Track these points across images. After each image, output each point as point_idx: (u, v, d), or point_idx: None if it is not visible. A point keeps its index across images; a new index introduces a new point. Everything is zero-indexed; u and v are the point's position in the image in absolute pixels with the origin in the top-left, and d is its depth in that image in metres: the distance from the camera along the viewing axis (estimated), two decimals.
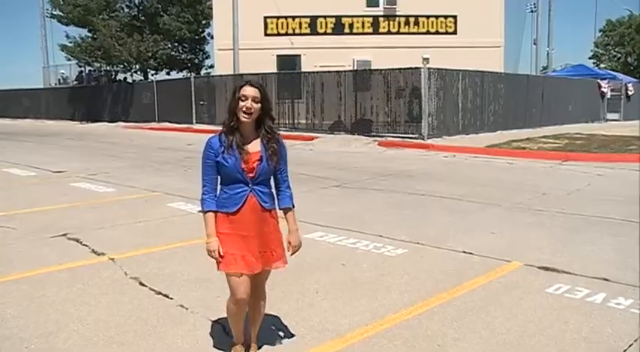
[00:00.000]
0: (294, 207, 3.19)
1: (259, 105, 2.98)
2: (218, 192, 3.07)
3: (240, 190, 3.01)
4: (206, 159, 3.03)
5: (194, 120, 22.99)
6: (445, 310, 4.05)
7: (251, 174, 3.00)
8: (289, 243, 3.15)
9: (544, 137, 16.75)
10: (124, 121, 26.63)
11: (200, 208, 3.09)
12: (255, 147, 3.02)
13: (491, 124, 18.57)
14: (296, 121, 19.52)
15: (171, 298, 4.32)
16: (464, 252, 5.48)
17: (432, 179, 10.07)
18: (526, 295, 4.33)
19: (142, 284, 4.63)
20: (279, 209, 3.16)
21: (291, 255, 3.19)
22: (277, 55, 23.13)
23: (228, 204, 3.02)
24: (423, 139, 15.95)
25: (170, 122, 23.74)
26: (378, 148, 15.55)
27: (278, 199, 3.15)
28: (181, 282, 4.67)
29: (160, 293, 4.42)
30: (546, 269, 4.92)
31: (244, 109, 2.95)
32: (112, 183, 9.64)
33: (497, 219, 6.92)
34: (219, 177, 3.05)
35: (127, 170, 11.44)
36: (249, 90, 2.97)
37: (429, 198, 8.22)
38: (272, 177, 3.13)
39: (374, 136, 16.99)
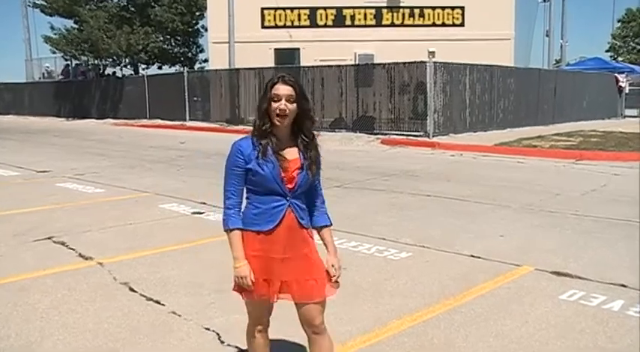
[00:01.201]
0: (331, 224, 2.87)
1: (295, 105, 2.62)
2: (243, 207, 2.73)
3: (276, 204, 2.65)
4: (233, 166, 2.67)
5: (187, 117, 22.99)
6: (452, 317, 4.04)
7: (290, 185, 2.65)
8: (332, 266, 2.75)
9: (557, 135, 16.75)
10: (113, 118, 26.64)
11: (223, 225, 2.71)
12: (292, 154, 2.68)
13: (501, 121, 18.57)
14: None
15: (162, 304, 4.31)
16: (471, 255, 5.47)
17: (437, 179, 10.07)
18: (538, 301, 4.32)
19: (131, 289, 4.62)
20: (315, 228, 2.82)
21: (335, 280, 2.77)
22: (275, 49, 23.12)
23: (259, 221, 2.66)
24: (429, 137, 15.95)
25: (162, 119, 23.74)
26: (380, 147, 15.56)
27: (313, 216, 2.81)
28: (174, 288, 4.66)
29: (151, 299, 4.41)
30: (559, 274, 4.92)
31: (277, 112, 2.60)
32: (100, 184, 9.63)
33: (507, 221, 6.91)
34: (245, 188, 2.72)
35: (116, 169, 11.44)
36: (282, 89, 2.61)
37: (434, 199, 8.21)
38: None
39: (376, 134, 16.99)
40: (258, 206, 2.67)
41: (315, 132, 2.73)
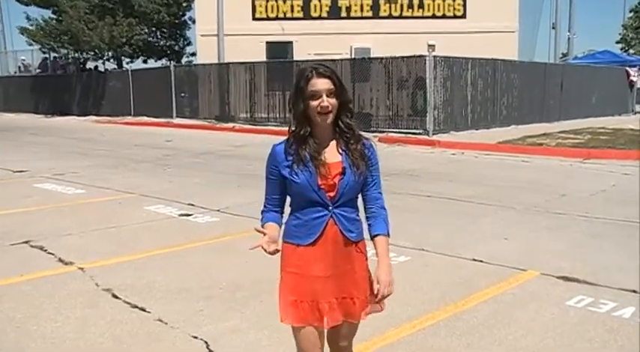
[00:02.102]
0: (389, 235, 2.62)
1: (335, 99, 2.45)
2: (286, 217, 2.60)
3: (316, 215, 2.49)
4: (268, 173, 2.56)
5: (174, 114, 22.93)
6: (453, 324, 4.04)
7: (331, 193, 2.48)
8: (377, 281, 2.55)
9: (563, 132, 16.80)
10: (95, 115, 26.53)
11: (260, 222, 2.59)
12: (333, 155, 2.50)
13: (504, 118, 18.60)
14: (287, 115, 19.31)
15: (148, 311, 4.30)
16: (473, 259, 5.48)
17: (438, 179, 10.09)
18: (544, 308, 4.33)
19: (115, 296, 4.61)
20: (371, 237, 2.60)
21: (379, 301, 2.57)
22: (267, 42, 23.09)
23: (299, 234, 2.51)
24: (428, 135, 15.96)
25: (147, 116, 23.66)
26: (378, 145, 15.54)
27: (369, 225, 2.61)
28: (160, 294, 4.65)
29: (135, 306, 4.40)
30: (566, 279, 4.93)
31: (319, 110, 2.42)
32: (81, 184, 9.59)
33: (511, 222, 6.92)
34: (287, 197, 2.57)
35: (98, 169, 11.40)
36: (320, 83, 2.43)
37: (434, 200, 8.22)
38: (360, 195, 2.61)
39: (373, 132, 16.97)
40: (299, 217, 2.53)
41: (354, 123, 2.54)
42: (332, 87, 2.43)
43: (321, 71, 2.44)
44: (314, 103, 2.42)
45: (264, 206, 2.61)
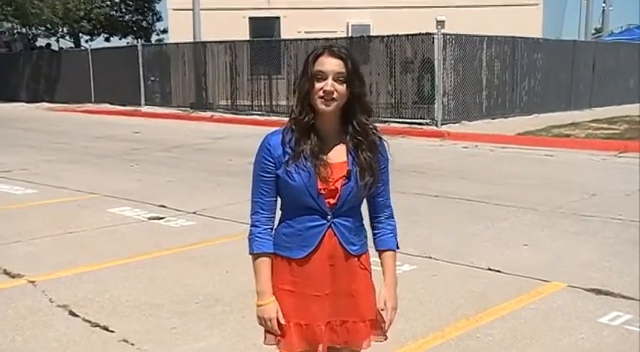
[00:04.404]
0: (398, 248, 2.62)
1: (345, 86, 2.37)
2: (276, 224, 2.53)
3: (312, 224, 2.43)
4: (260, 170, 2.45)
5: (143, 102, 22.90)
6: (465, 343, 4.06)
7: (332, 200, 2.41)
8: (384, 303, 2.54)
9: (595, 121, 16.83)
10: (48, 101, 26.44)
11: (248, 247, 2.50)
12: (339, 155, 2.44)
13: (525, 105, 18.68)
14: (274, 103, 19.51)
15: (111, 331, 4.28)
16: (489, 268, 5.50)
17: (447, 176, 10.11)
18: (571, 326, 4.34)
19: (72, 313, 4.59)
20: (377, 251, 2.59)
21: (386, 325, 2.55)
22: (250, 18, 23.07)
23: (291, 245, 2.46)
24: (436, 125, 16.00)
25: (111, 103, 23.63)
26: None
27: (375, 236, 2.58)
28: (125, 310, 4.64)
29: (97, 325, 4.38)
30: (598, 292, 4.94)
31: (322, 93, 2.34)
32: (32, 183, 9.56)
33: (533, 227, 6.95)
34: (279, 198, 2.50)
35: (53, 165, 11.36)
36: (329, 63, 2.35)
37: (444, 201, 8.24)
38: (365, 202, 2.56)
39: (373, 122, 17.00)
40: (291, 225, 2.45)
41: (375, 126, 2.49)
42: (343, 70, 2.36)
43: (334, 51, 2.37)
44: (318, 85, 2.35)
45: (255, 214, 2.49)
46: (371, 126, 2.47)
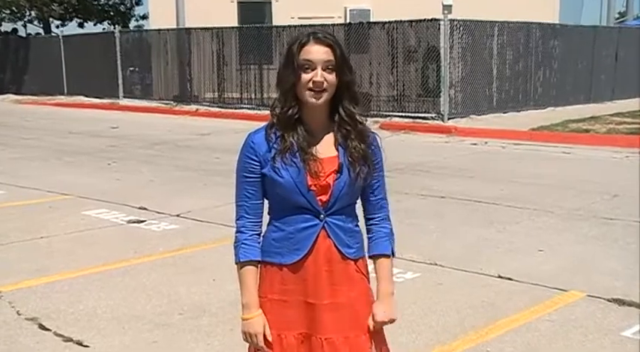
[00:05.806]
0: (394, 254, 2.60)
1: (334, 75, 2.39)
2: (264, 228, 2.54)
3: (304, 225, 2.43)
4: (244, 171, 2.46)
5: (121, 94, 22.87)
6: None
7: (324, 197, 2.42)
8: (373, 317, 2.51)
9: (617, 115, 16.83)
10: (14, 93, 26.39)
11: (234, 256, 2.50)
12: (328, 148, 2.46)
13: (540, 98, 18.69)
14: (265, 95, 19.47)
15: (86, 346, 4.28)
16: (500, 276, 5.50)
17: (454, 175, 10.12)
18: (591, 339, 4.35)
19: (42, 327, 4.58)
20: (369, 256, 2.58)
21: (373, 328, 2.51)
22: (238, 2, 23.04)
23: (282, 250, 2.46)
24: (443, 120, 16.00)
25: (86, 96, 23.61)
26: (380, 133, 15.53)
27: (369, 239, 2.58)
28: (102, 323, 4.63)
29: (69, 339, 4.37)
30: (621, 302, 4.94)
31: (311, 85, 2.36)
32: None
33: (548, 231, 6.96)
34: (266, 201, 2.50)
35: (21, 163, 11.35)
36: (316, 52, 2.37)
37: (450, 202, 8.25)
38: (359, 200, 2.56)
39: (374, 116, 16.95)
40: (281, 228, 2.46)
41: (363, 115, 2.51)
42: (331, 58, 2.37)
43: (320, 37, 2.38)
44: (306, 76, 2.36)
45: (240, 219, 2.49)
46: (358, 117, 2.49)
